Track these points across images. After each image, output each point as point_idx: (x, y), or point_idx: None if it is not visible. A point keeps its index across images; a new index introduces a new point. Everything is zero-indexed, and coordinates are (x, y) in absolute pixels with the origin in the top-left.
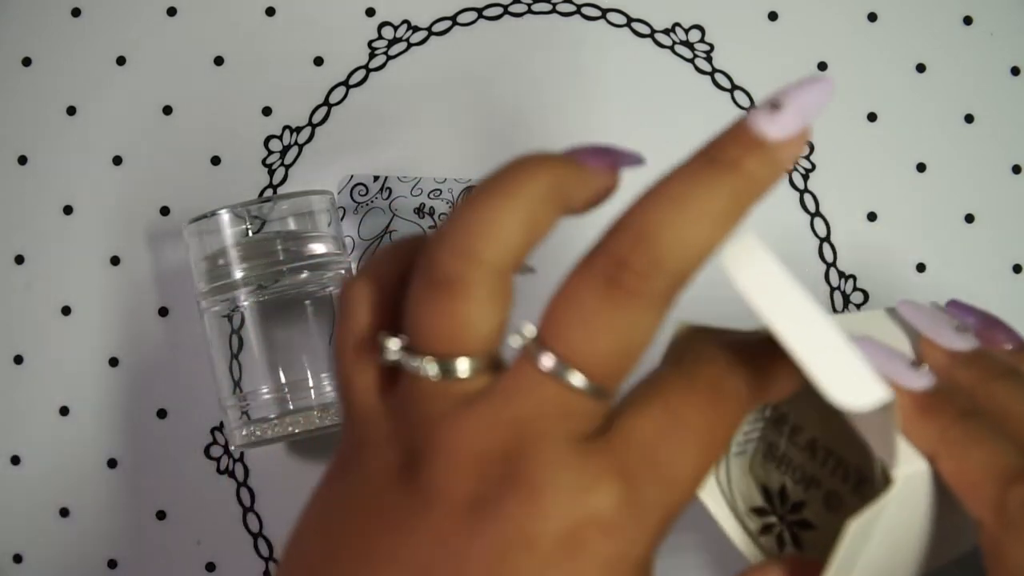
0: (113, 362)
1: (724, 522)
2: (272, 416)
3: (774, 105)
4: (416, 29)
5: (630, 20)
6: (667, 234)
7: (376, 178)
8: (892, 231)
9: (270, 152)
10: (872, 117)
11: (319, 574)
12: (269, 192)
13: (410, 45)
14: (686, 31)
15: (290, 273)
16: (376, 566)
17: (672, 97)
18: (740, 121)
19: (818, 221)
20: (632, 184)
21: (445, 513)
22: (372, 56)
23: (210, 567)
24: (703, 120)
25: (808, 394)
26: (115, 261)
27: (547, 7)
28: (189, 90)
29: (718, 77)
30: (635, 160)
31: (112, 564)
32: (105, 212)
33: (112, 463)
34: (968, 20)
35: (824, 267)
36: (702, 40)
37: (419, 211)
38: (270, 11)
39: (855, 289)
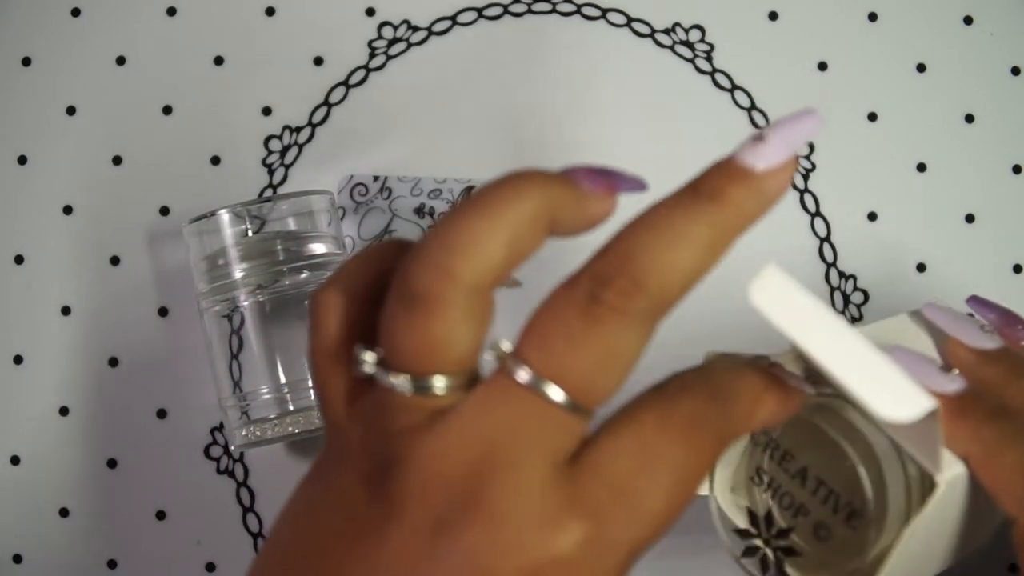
0: (113, 362)
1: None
2: (272, 416)
3: (758, 138)
4: (416, 29)
5: (630, 20)
6: (650, 257)
7: (376, 178)
8: (892, 231)
9: (270, 152)
10: (872, 117)
11: None
12: (269, 192)
13: (410, 45)
14: (686, 31)
15: (290, 273)
16: None
17: (672, 97)
18: (727, 155)
19: (818, 221)
20: (629, 202)
21: (407, 533)
22: (372, 56)
23: (210, 567)
24: (703, 120)
25: (800, 422)
26: (115, 261)
27: (547, 7)
28: (189, 90)
29: (718, 77)
30: (636, 186)
31: (112, 564)
32: (105, 212)
33: (112, 463)
34: (968, 20)
35: (824, 267)
36: (702, 40)
37: (419, 211)
38: (270, 11)
39: (855, 289)
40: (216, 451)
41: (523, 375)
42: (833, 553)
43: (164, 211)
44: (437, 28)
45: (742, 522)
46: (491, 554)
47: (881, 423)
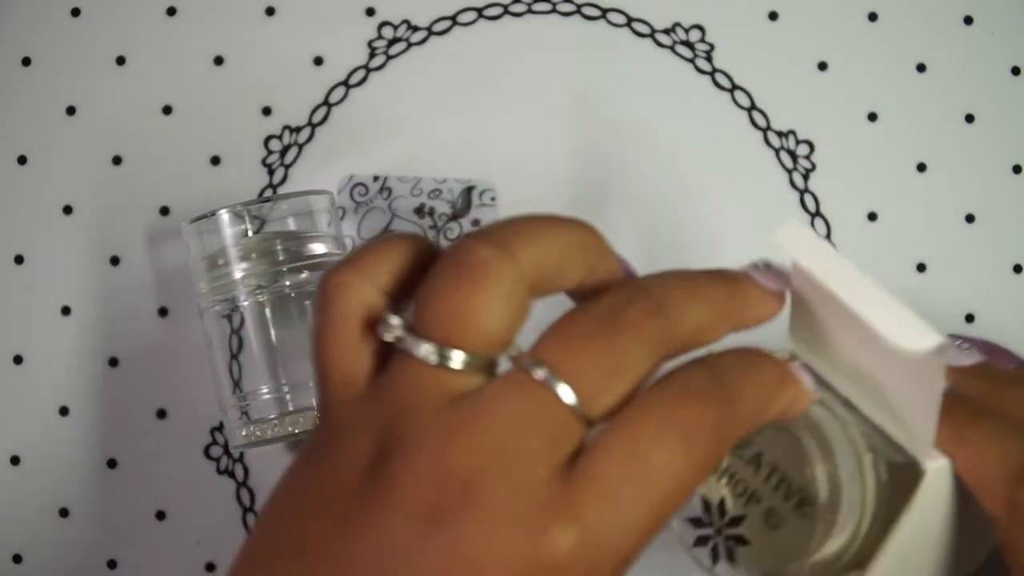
0: (113, 362)
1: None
2: (272, 416)
3: (767, 266)
4: (416, 29)
5: (630, 20)
6: (673, 295)
7: (376, 178)
8: (892, 231)
9: (270, 152)
10: (872, 117)
11: (274, 568)
12: (269, 192)
13: (410, 45)
14: (686, 31)
15: (290, 273)
16: (328, 565)
17: (672, 97)
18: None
19: (818, 221)
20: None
21: (401, 519)
22: (372, 56)
23: (210, 567)
24: (703, 120)
25: None
26: (115, 261)
27: (547, 7)
28: (189, 90)
29: (718, 77)
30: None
31: (112, 564)
32: (105, 212)
33: (112, 463)
34: (968, 20)
35: None
36: (702, 40)
37: (419, 211)
38: (270, 11)
39: None
40: (216, 451)
41: (539, 372)
42: (783, 542)
43: (164, 211)
44: (437, 28)
45: (696, 510)
46: (479, 549)
47: (864, 412)
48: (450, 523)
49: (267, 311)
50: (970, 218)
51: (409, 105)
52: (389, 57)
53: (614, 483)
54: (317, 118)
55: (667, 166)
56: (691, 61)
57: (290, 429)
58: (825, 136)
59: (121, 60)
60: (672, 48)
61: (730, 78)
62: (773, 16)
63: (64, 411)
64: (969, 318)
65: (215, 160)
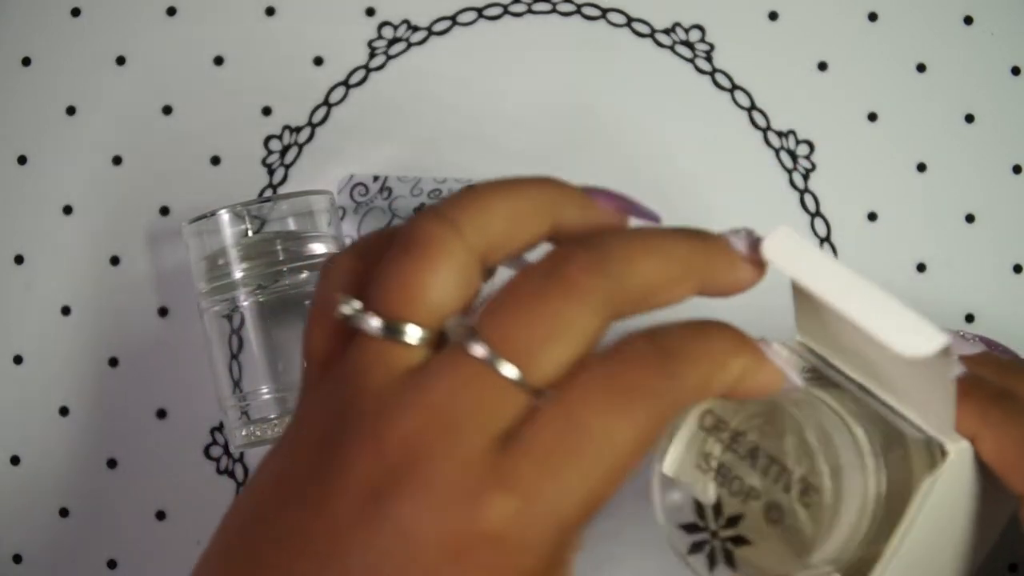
0: (113, 362)
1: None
2: (272, 416)
3: (749, 234)
4: (416, 29)
5: (630, 20)
6: (621, 250)
7: (376, 178)
8: (892, 231)
9: (270, 152)
10: (872, 117)
11: (230, 554)
12: (269, 192)
13: (410, 45)
14: (686, 31)
15: (290, 273)
16: (278, 546)
17: (672, 97)
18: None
19: (818, 221)
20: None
21: (347, 497)
22: (372, 56)
23: None
24: (703, 120)
25: (752, 400)
26: (115, 261)
27: (547, 7)
28: (189, 90)
29: (718, 77)
30: (649, 215)
31: (112, 564)
32: (105, 212)
33: (112, 463)
34: (968, 20)
35: None
36: (702, 40)
37: (419, 211)
38: (270, 11)
39: None
40: (216, 451)
41: (475, 346)
42: (786, 537)
43: (164, 211)
44: (437, 28)
45: (688, 516)
46: (419, 524)
47: (881, 398)
48: (389, 499)
49: (267, 311)
50: (970, 218)
51: (409, 105)
52: (389, 57)
53: (552, 451)
54: (317, 118)
55: (667, 166)
56: (691, 61)
57: None
58: (825, 136)
59: (121, 60)
60: (672, 48)
61: (730, 78)
62: (773, 16)
63: (64, 411)
64: (969, 318)
65: (215, 160)
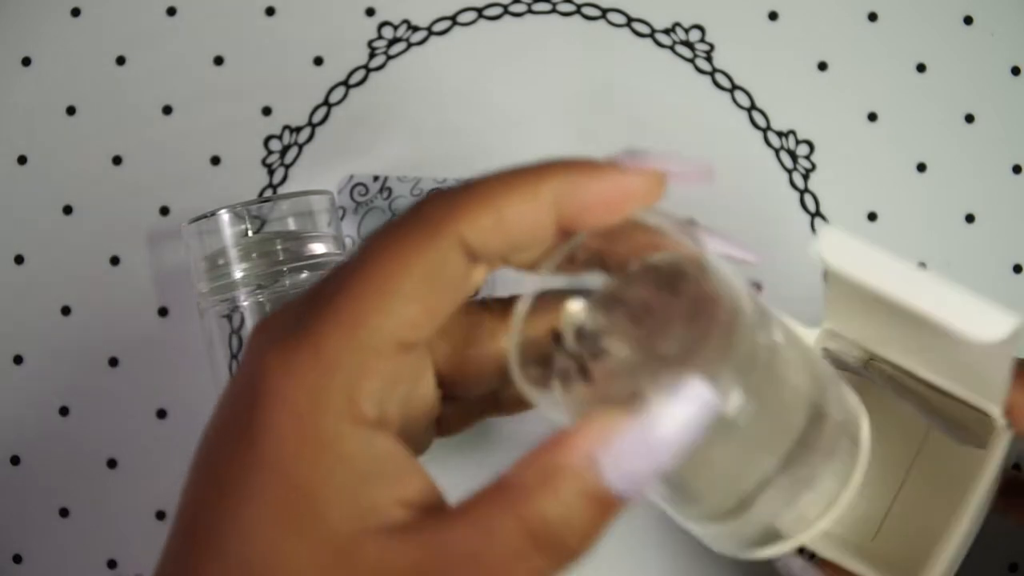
0: (113, 362)
1: None
2: None
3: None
4: (416, 29)
5: (630, 20)
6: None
7: (376, 178)
8: (892, 231)
9: (270, 152)
10: (872, 117)
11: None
12: (269, 192)
13: (410, 45)
14: (686, 31)
15: (290, 273)
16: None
17: (672, 97)
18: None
19: (818, 221)
20: None
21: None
22: (372, 56)
23: None
24: (703, 120)
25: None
26: (115, 261)
27: (547, 7)
28: (189, 90)
29: (718, 77)
30: (695, 172)
31: (112, 564)
32: (105, 212)
33: (112, 463)
34: (968, 20)
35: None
36: (702, 40)
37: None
38: (270, 11)
39: None
40: None
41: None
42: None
43: (164, 211)
44: (437, 28)
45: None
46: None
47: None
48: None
49: (267, 311)
50: (970, 218)
51: (409, 105)
52: (389, 57)
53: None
54: (317, 118)
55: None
56: (691, 61)
57: None
58: (825, 136)
59: (121, 60)
60: (672, 48)
61: (730, 78)
62: (773, 16)
63: (64, 411)
64: None
65: (215, 160)
